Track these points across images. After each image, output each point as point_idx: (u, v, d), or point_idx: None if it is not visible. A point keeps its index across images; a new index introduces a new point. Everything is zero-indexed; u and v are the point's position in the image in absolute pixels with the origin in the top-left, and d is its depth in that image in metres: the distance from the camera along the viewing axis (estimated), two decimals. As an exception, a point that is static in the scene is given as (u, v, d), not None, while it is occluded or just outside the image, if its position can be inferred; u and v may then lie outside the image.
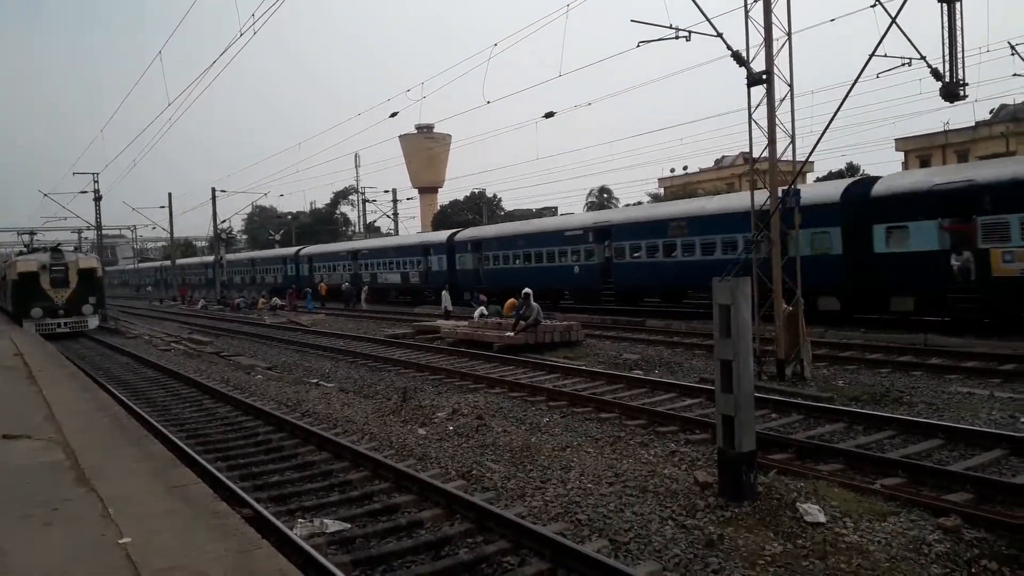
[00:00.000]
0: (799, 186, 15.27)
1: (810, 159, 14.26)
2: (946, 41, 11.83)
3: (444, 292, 32.69)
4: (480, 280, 36.52)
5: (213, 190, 54.90)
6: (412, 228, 74.07)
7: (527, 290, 20.67)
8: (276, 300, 44.59)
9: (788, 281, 14.22)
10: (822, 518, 6.63)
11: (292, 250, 59.05)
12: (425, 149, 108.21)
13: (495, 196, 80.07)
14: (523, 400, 13.40)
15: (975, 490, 7.50)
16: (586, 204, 75.89)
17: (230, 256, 66.61)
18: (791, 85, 13.83)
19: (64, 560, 4.92)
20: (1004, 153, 35.75)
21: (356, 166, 73.53)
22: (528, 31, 43.72)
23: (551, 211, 69.91)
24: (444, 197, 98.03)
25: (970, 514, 6.78)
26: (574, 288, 32.80)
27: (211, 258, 64.19)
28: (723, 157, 70.72)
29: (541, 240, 33.22)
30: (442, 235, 42.82)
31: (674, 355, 18.01)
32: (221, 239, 58.37)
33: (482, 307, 27.56)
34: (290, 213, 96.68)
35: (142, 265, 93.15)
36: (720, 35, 13.96)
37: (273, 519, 7.03)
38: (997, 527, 6.54)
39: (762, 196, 14.67)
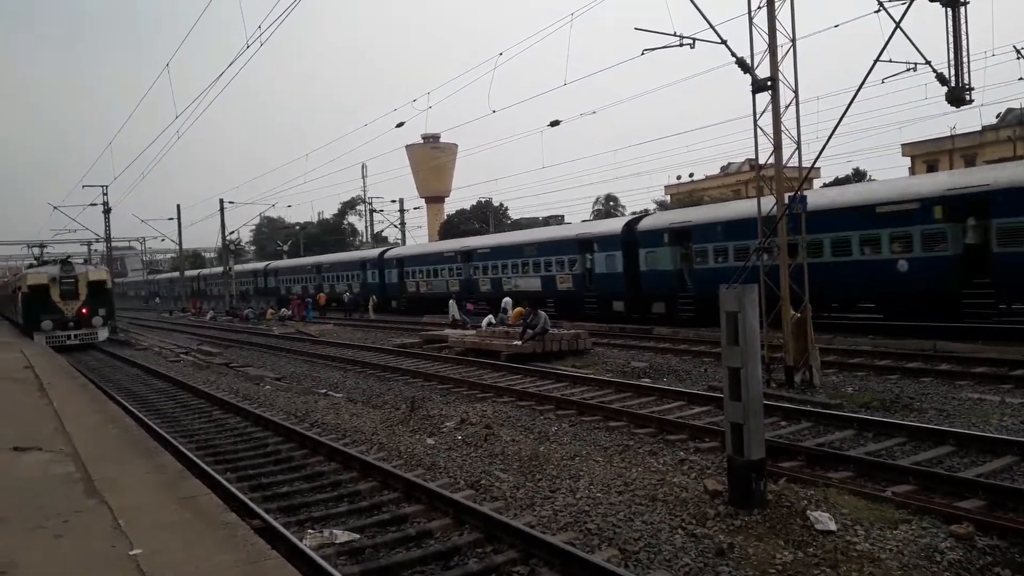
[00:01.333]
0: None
1: (816, 165, 14.26)
2: (951, 45, 11.83)
3: (451, 302, 32.65)
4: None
5: (221, 201, 55.20)
6: (420, 238, 74.28)
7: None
8: (284, 311, 44.76)
9: (796, 288, 14.20)
10: (833, 526, 6.59)
11: (374, 252, 50.52)
12: (431, 159, 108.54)
13: (502, 205, 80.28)
14: (531, 409, 13.38)
15: (987, 497, 7.44)
16: (593, 212, 75.97)
17: (283, 262, 66.24)
18: (796, 91, 13.84)
19: (75, 572, 4.94)
20: (1011, 157, 35.62)
21: (363, 176, 73.63)
22: (533, 40, 43.92)
23: (558, 219, 69.92)
24: (451, 206, 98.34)
25: (982, 521, 6.73)
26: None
27: (262, 264, 63.84)
28: (729, 164, 70.65)
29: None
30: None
31: (682, 363, 17.97)
32: (229, 250, 58.58)
33: (490, 315, 27.56)
34: (298, 224, 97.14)
35: (170, 275, 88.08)
36: (724, 42, 13.99)
37: (283, 530, 7.04)
38: (1010, 534, 6.49)
39: (769, 202, 14.66)
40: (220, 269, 67.10)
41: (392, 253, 48.38)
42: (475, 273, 37.61)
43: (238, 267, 68.52)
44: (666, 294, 26.55)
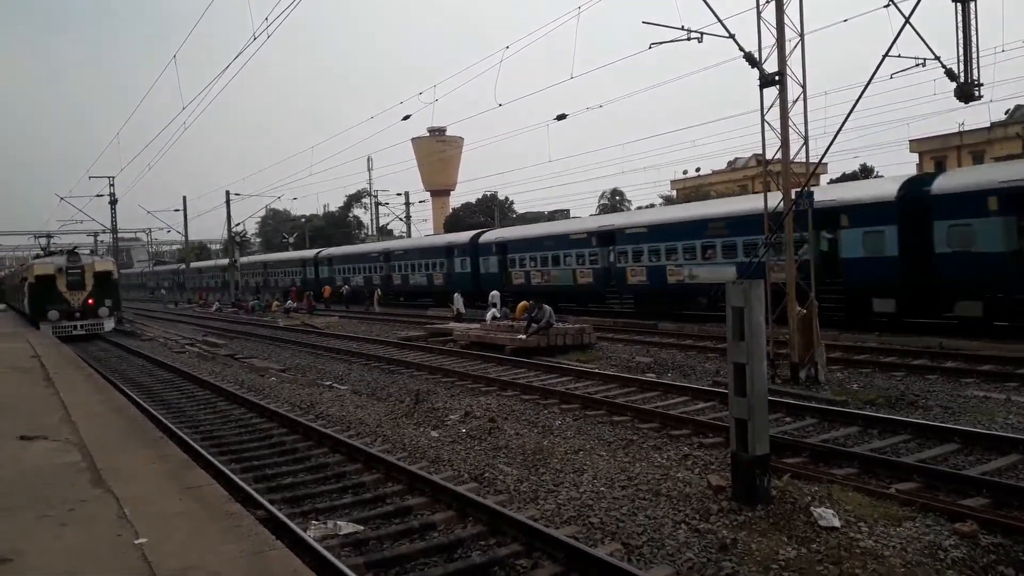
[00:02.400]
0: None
1: (824, 160, 14.19)
2: (961, 41, 11.74)
3: (456, 295, 32.47)
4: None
5: (227, 193, 55.27)
6: (425, 231, 74.35)
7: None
8: (290, 303, 44.87)
9: (803, 284, 14.16)
10: (836, 522, 6.58)
11: (465, 236, 40.53)
12: (437, 152, 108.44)
13: (507, 198, 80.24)
14: (535, 403, 13.39)
15: (992, 495, 7.42)
16: (598, 206, 75.82)
17: (340, 249, 57.48)
18: (804, 86, 13.77)
19: (80, 560, 4.96)
20: (1020, 155, 35.36)
21: (369, 169, 73.75)
22: (540, 33, 43.78)
23: (563, 214, 69.85)
24: (456, 200, 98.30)
25: (987, 519, 6.71)
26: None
27: (311, 252, 58.07)
28: (736, 159, 70.42)
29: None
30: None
31: (687, 358, 17.95)
32: (235, 242, 58.69)
33: (495, 309, 27.55)
34: (303, 216, 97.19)
35: (199, 264, 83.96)
36: (732, 36, 13.92)
37: (287, 520, 7.06)
38: (1014, 532, 6.47)
39: (775, 198, 14.60)
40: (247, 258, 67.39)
41: (491, 236, 38.15)
42: (620, 260, 28.40)
43: (279, 256, 66.78)
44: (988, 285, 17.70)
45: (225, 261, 60.89)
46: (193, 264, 73.48)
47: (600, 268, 29.98)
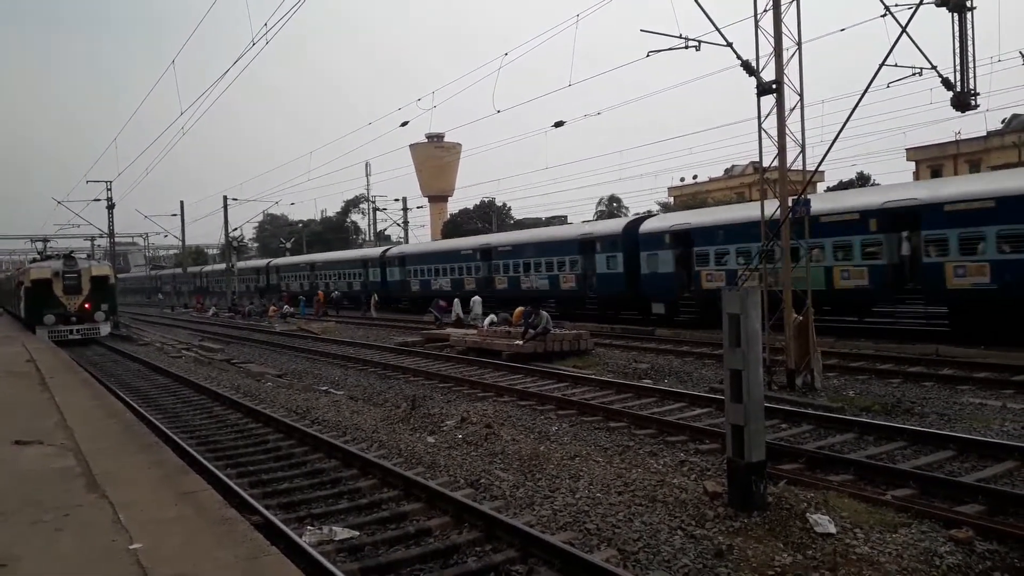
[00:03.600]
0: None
1: (821, 168, 14.24)
2: (957, 50, 11.81)
3: (456, 300, 32.38)
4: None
5: (225, 198, 55.20)
6: (423, 237, 74.33)
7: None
8: (288, 307, 44.91)
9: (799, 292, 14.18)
10: (832, 529, 6.59)
11: (618, 225, 31.80)
12: (435, 158, 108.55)
13: (505, 205, 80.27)
14: (532, 409, 13.38)
15: (987, 502, 7.43)
16: (596, 213, 75.93)
17: (423, 246, 51.73)
18: (801, 94, 13.83)
19: (75, 566, 4.95)
20: (1016, 163, 35.55)
21: (367, 175, 73.77)
22: (538, 41, 43.90)
23: (561, 220, 69.88)
24: (454, 206, 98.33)
25: (982, 526, 6.72)
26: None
27: (376, 251, 50.41)
28: (733, 166, 70.57)
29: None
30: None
31: (684, 364, 17.96)
32: (233, 247, 58.64)
33: (492, 315, 27.58)
34: (301, 221, 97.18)
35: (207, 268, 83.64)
36: (730, 45, 13.99)
37: (282, 526, 7.05)
38: (1009, 539, 6.48)
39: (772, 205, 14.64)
40: (251, 263, 67.99)
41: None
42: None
43: (333, 255, 59.41)
44: None
45: (263, 262, 61.14)
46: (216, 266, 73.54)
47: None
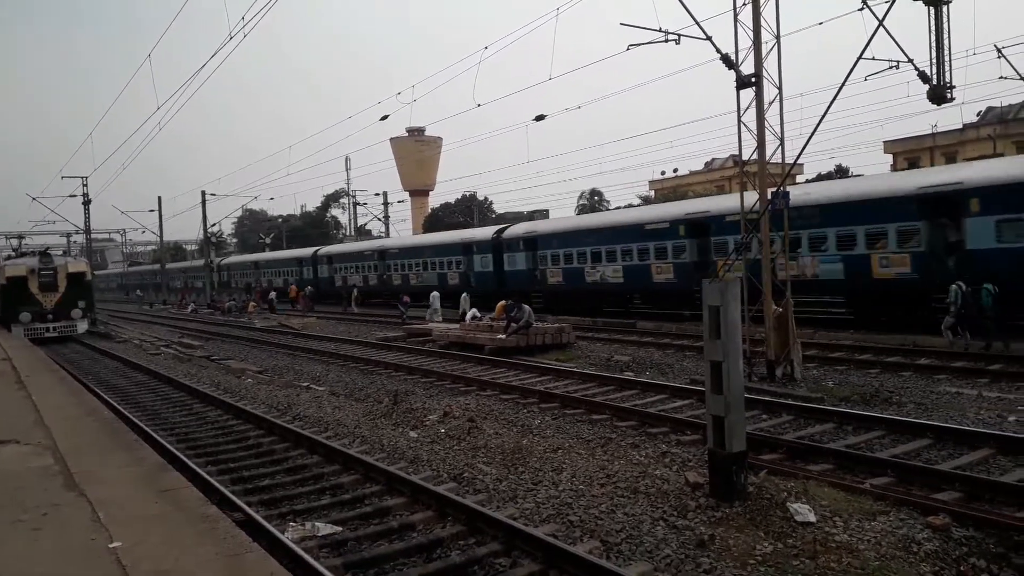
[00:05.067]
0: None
1: (799, 161, 14.35)
2: (934, 44, 11.92)
3: (464, 296, 31.52)
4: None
5: (203, 193, 54.73)
6: (404, 231, 74.07)
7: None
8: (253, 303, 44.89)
9: (779, 283, 14.29)
10: (812, 518, 6.66)
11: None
12: (416, 152, 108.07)
13: (486, 199, 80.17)
14: (515, 402, 13.40)
15: (964, 489, 7.55)
16: (577, 207, 75.99)
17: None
18: (780, 88, 13.92)
19: (54, 565, 4.90)
20: (992, 155, 35.97)
21: (347, 169, 73.16)
22: (518, 34, 43.78)
23: (542, 214, 69.91)
24: (435, 200, 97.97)
25: (959, 513, 6.83)
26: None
27: (429, 239, 45.79)
28: (713, 160, 70.90)
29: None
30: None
31: (665, 356, 18.06)
32: (211, 243, 58.09)
33: (474, 309, 27.51)
34: (280, 216, 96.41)
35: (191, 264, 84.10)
36: (709, 38, 14.03)
37: (264, 522, 7.01)
38: (986, 525, 6.59)
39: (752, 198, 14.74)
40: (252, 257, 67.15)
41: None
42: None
43: (351, 246, 55.21)
44: None
45: (296, 252, 59.51)
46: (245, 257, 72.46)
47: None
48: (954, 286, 16.20)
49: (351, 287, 45.32)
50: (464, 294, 32.46)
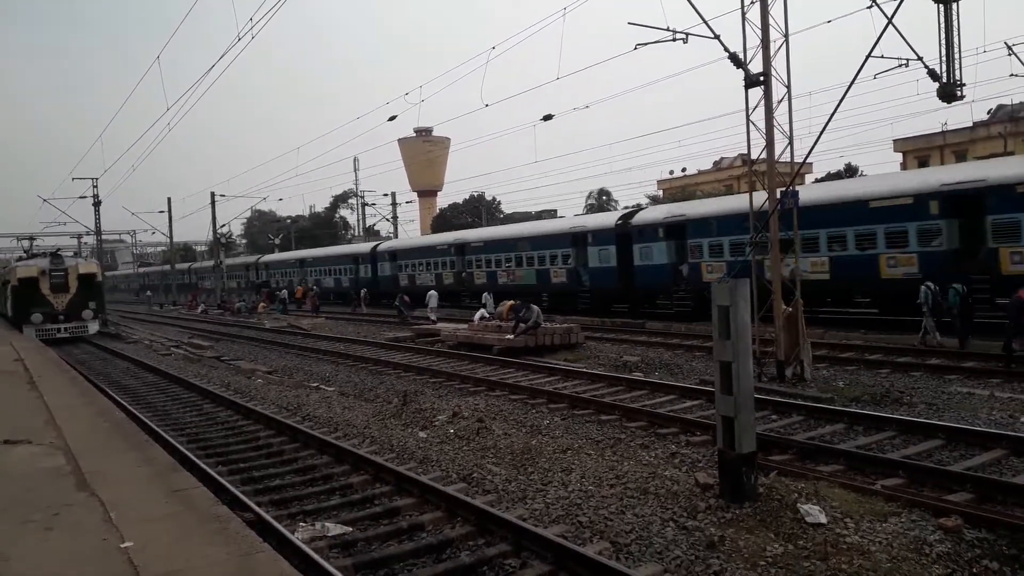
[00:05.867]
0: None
1: (809, 160, 14.30)
2: (943, 41, 11.84)
3: (485, 295, 30.64)
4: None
5: (212, 195, 54.88)
6: (412, 232, 74.08)
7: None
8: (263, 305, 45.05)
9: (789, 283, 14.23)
10: (823, 519, 6.63)
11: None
12: (424, 152, 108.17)
13: (494, 199, 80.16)
14: (523, 403, 13.39)
15: (976, 490, 7.51)
16: (585, 207, 75.88)
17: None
18: (788, 86, 13.86)
19: (66, 565, 4.92)
20: (1002, 153, 35.74)
21: (355, 170, 73.24)
22: (526, 34, 43.78)
23: (551, 214, 69.86)
24: (443, 200, 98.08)
25: (971, 514, 6.78)
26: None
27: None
28: (721, 159, 70.68)
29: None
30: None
31: (674, 357, 18.02)
32: (221, 244, 58.29)
33: (483, 309, 27.53)
34: (289, 217, 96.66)
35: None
36: (717, 37, 13.98)
37: (274, 523, 7.03)
38: (998, 527, 6.54)
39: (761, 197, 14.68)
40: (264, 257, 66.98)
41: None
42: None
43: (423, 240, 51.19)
44: None
45: (352, 248, 56.29)
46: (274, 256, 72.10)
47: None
48: (923, 287, 16.63)
49: (401, 292, 38.13)
50: (486, 293, 31.10)
